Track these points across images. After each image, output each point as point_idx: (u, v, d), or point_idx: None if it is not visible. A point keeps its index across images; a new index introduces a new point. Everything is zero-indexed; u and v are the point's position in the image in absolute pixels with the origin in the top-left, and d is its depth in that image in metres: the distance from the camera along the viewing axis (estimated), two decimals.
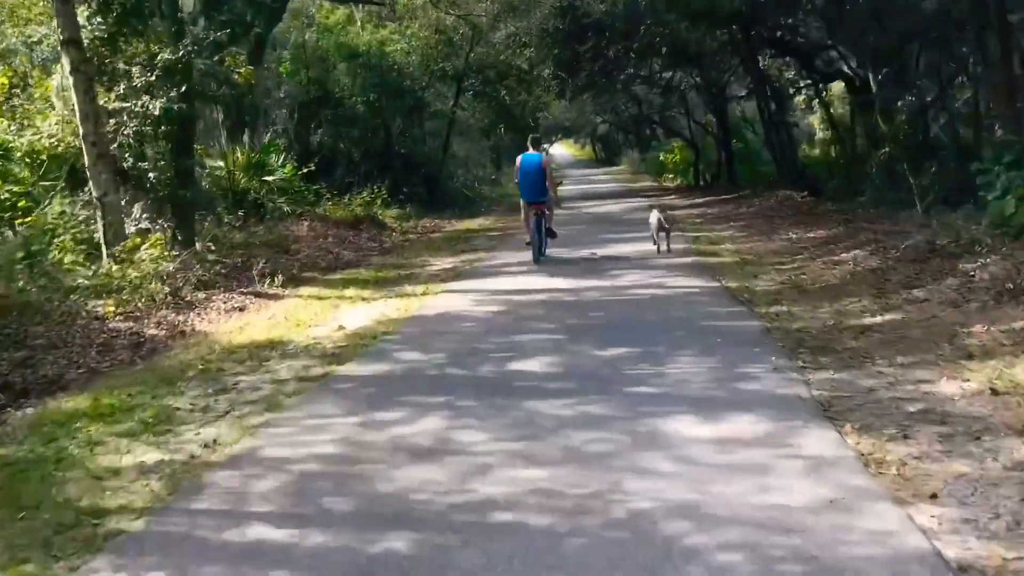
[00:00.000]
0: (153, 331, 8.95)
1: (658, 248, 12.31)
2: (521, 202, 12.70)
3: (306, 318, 9.17)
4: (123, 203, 12.85)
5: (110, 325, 9.04)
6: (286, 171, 17.53)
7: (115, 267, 10.82)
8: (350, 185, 19.96)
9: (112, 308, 9.50)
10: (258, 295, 11.10)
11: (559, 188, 13.89)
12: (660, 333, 7.29)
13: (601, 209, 16.81)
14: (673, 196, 25.95)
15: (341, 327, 8.46)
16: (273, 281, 11.60)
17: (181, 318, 9.62)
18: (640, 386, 5.76)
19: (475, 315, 8.76)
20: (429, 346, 7.34)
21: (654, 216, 12.50)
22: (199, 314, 9.91)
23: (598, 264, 11.71)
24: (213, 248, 12.79)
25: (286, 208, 16.63)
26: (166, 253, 11.87)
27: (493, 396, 5.67)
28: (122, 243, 11.40)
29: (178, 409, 5.88)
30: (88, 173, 11.52)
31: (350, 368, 6.74)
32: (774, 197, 19.59)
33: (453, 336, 7.76)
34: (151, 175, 12.61)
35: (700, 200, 22.95)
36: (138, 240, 12.26)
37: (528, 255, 12.36)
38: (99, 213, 11.46)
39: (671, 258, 11.95)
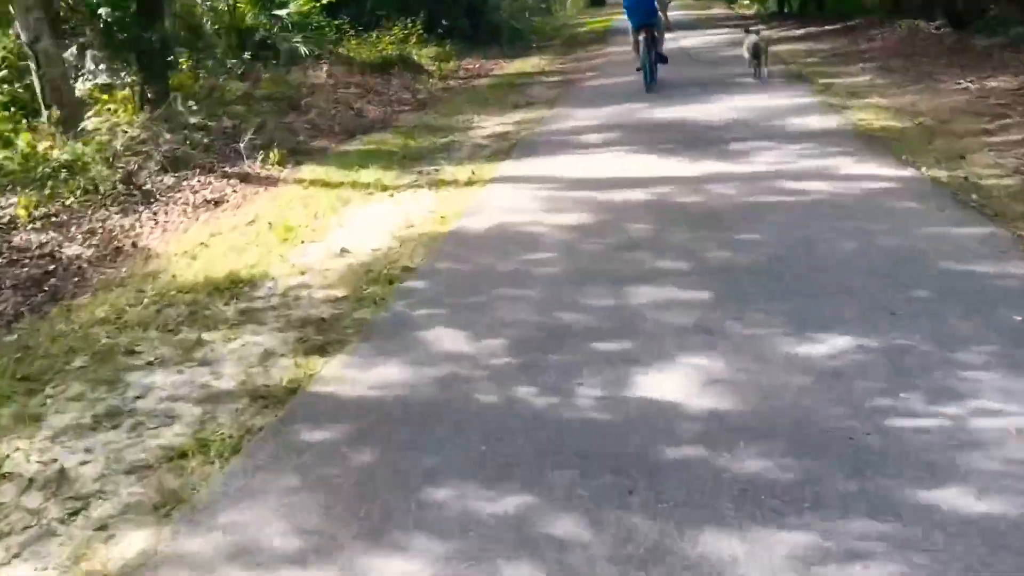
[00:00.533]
0: (76, 249, 6.12)
1: (755, 74, 11.43)
2: (630, 27, 11.87)
3: (299, 225, 6.30)
4: (72, 52, 9.84)
5: (16, 239, 6.24)
6: (302, 1, 14.23)
7: (51, 143, 7.94)
8: (379, 19, 16.85)
9: (25, 209, 6.66)
10: (245, 179, 8.18)
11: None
12: (885, 291, 4.06)
13: (679, 44, 13.19)
14: (761, 27, 21.82)
15: (344, 251, 5.53)
16: (268, 157, 8.65)
17: (126, 222, 6.79)
18: (954, 487, 2.55)
19: (548, 233, 5.62)
20: (478, 312, 4.34)
21: (748, 40, 11.60)
22: (155, 214, 7.05)
23: (714, 132, 8.37)
24: (195, 108, 9.74)
25: (303, 49, 13.55)
26: (133, 117, 8.97)
27: (629, 515, 2.56)
28: (68, 105, 8.54)
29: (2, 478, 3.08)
30: (12, 9, 8.49)
31: (339, 370, 3.79)
32: (896, 28, 15.71)
33: (517, 285, 4.72)
34: (103, 11, 9.45)
35: (797, 32, 18.88)
36: (104, 97, 9.32)
37: (606, 113, 10.31)
38: (32, 65, 8.53)
39: (812, 118, 8.61)
